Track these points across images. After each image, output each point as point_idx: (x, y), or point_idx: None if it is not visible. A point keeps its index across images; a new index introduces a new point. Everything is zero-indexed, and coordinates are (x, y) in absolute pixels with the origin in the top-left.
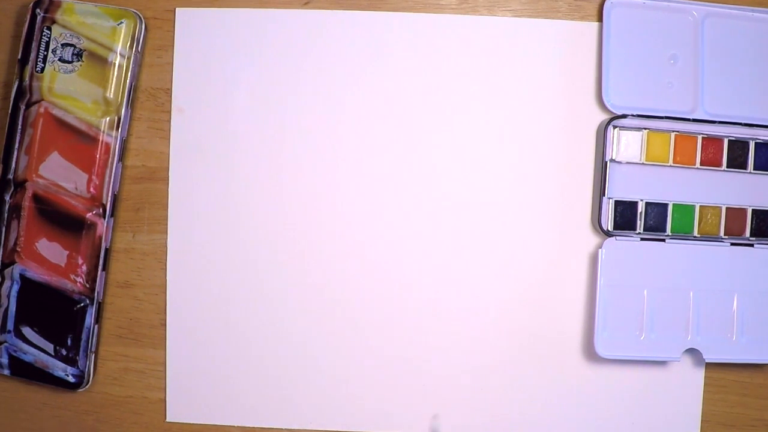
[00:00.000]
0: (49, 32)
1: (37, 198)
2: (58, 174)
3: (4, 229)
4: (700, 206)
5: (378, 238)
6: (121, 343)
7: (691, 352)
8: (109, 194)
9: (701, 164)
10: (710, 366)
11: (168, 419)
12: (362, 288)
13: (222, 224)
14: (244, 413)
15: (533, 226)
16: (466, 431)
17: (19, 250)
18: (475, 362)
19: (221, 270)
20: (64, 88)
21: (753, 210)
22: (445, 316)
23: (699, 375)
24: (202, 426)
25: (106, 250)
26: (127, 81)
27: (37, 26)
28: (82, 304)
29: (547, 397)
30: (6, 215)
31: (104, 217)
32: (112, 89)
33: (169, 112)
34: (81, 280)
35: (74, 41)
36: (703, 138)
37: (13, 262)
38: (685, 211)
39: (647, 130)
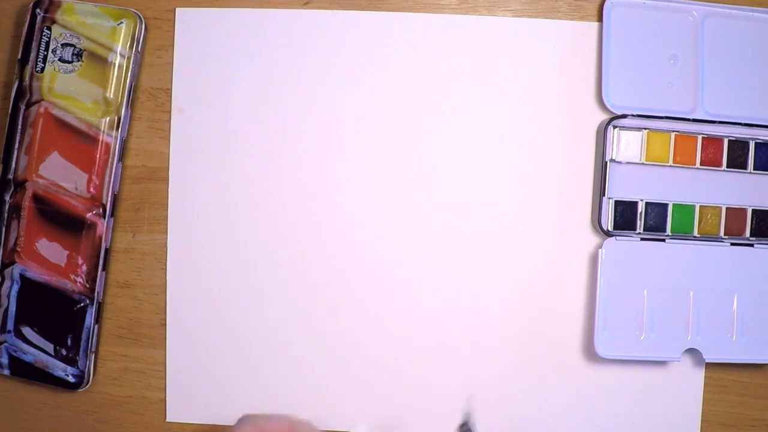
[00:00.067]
0: (49, 32)
1: (37, 198)
2: (58, 174)
3: (4, 229)
4: (700, 206)
5: (378, 237)
6: (121, 343)
7: (691, 352)
8: (109, 194)
9: (701, 164)
10: (710, 366)
11: (168, 419)
12: (362, 288)
13: (222, 224)
14: (244, 413)
15: (533, 226)
16: None
17: (19, 250)
18: (475, 362)
19: (221, 270)
20: (64, 88)
21: (753, 210)
22: (445, 316)
23: (699, 375)
24: (202, 426)
25: (106, 250)
26: (127, 81)
27: (37, 26)
28: (82, 304)
29: (547, 397)
30: (6, 215)
31: (104, 217)
32: (112, 89)
33: (169, 112)
34: (81, 280)
35: (74, 41)
36: (703, 138)
37: (13, 262)
38: (685, 211)
39: (647, 130)
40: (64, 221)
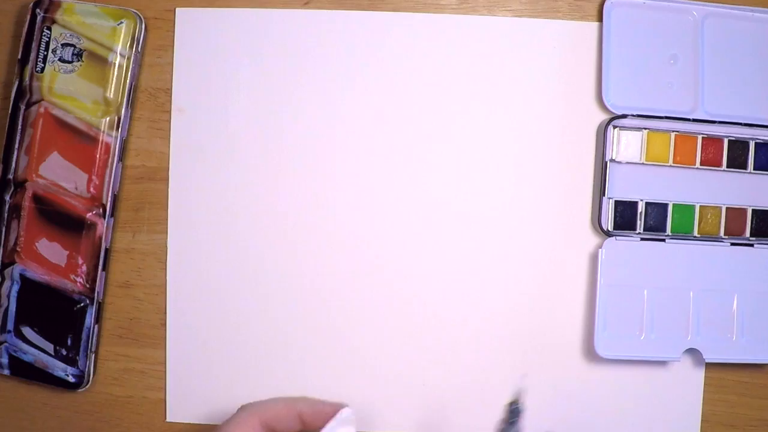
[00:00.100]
0: (49, 32)
1: (37, 198)
2: (58, 174)
3: (4, 229)
4: (700, 206)
5: (378, 237)
6: (121, 343)
7: (691, 352)
8: (109, 194)
9: (701, 164)
10: (710, 366)
11: (168, 419)
12: (364, 288)
13: (222, 224)
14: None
15: (533, 226)
16: (466, 430)
17: (19, 250)
18: (476, 362)
19: (221, 270)
20: (64, 88)
21: (753, 210)
22: (446, 316)
23: (699, 375)
24: (202, 426)
25: (106, 250)
26: (127, 81)
27: (37, 26)
28: (82, 304)
29: (547, 397)
30: (6, 215)
31: (104, 217)
32: (112, 89)
33: (169, 112)
34: (81, 280)
35: (74, 41)
36: (703, 138)
37: (13, 262)
38: (685, 211)
39: (647, 130)
40: (64, 221)
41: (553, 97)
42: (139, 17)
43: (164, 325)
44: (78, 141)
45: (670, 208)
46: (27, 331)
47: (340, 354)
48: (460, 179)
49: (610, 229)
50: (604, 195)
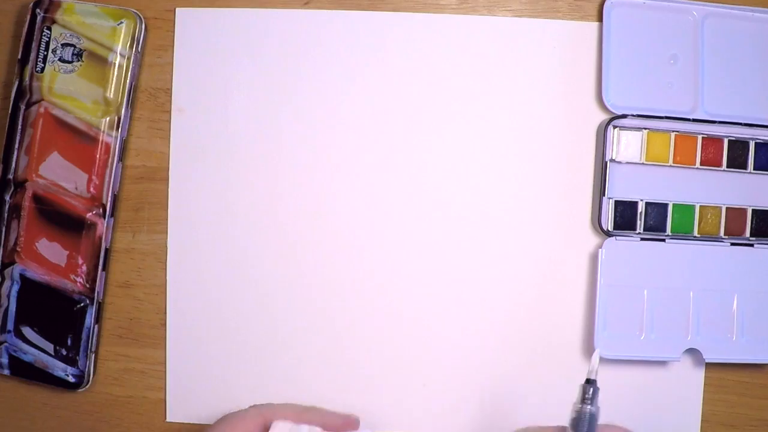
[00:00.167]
0: (49, 32)
1: (37, 198)
2: (58, 174)
3: (4, 229)
4: (700, 206)
5: (378, 237)
6: (121, 343)
7: (691, 352)
8: (109, 194)
9: (701, 164)
10: (710, 366)
11: (168, 419)
12: (364, 288)
13: (222, 224)
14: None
15: (533, 226)
16: (465, 430)
17: (19, 250)
18: (475, 361)
19: (221, 270)
20: (64, 88)
21: (753, 210)
22: (446, 316)
23: (699, 375)
24: (202, 426)
25: (106, 250)
26: (127, 81)
27: (37, 26)
28: (82, 304)
29: (547, 397)
30: (6, 215)
31: (104, 217)
32: (112, 89)
33: (169, 112)
34: (81, 280)
35: (74, 41)
36: (703, 138)
37: (13, 262)
38: (685, 211)
39: (647, 130)
40: (64, 221)
41: (553, 97)
42: (139, 17)
43: (164, 325)
44: (78, 141)
45: (670, 208)
46: (27, 331)
47: (340, 354)
48: (460, 179)
49: (610, 229)
50: (604, 195)
